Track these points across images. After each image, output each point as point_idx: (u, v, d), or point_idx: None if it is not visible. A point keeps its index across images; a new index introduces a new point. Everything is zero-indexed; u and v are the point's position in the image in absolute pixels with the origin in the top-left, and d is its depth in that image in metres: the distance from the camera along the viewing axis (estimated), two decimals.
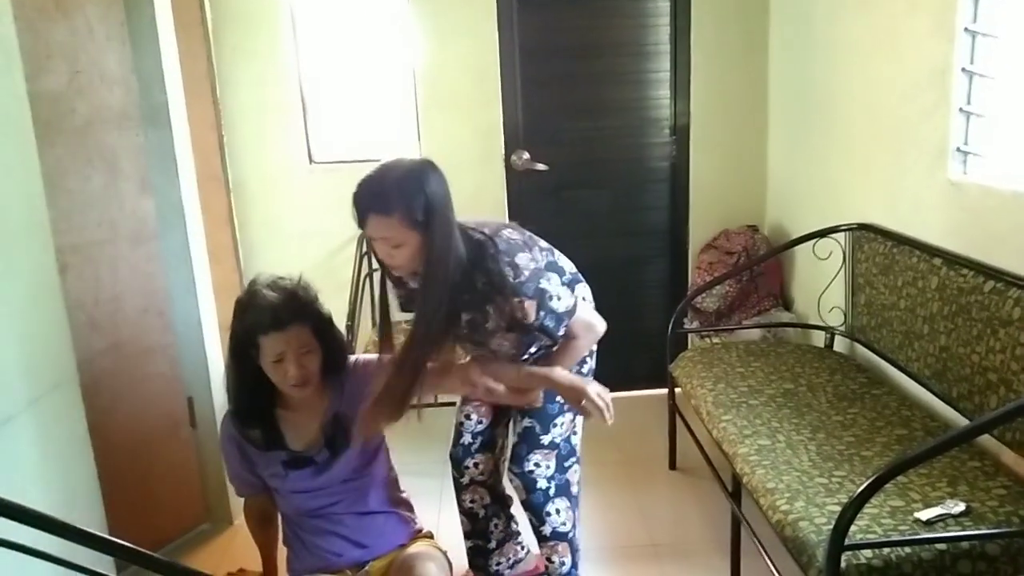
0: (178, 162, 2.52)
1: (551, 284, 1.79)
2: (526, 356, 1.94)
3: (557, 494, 2.05)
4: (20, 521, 1.31)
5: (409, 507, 2.00)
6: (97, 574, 1.45)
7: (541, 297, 1.77)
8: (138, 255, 2.43)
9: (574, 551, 2.12)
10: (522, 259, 1.76)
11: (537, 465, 2.01)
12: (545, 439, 2.02)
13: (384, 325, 1.87)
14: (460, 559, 2.20)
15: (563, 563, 2.11)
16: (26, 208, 1.62)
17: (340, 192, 3.59)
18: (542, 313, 1.77)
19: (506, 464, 2.12)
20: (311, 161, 3.45)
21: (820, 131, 3.01)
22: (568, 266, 1.92)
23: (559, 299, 1.80)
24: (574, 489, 2.10)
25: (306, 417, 1.84)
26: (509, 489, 2.17)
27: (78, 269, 2.22)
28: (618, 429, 3.28)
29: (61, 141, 2.16)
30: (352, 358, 1.89)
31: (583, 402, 1.81)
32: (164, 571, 1.34)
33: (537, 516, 2.06)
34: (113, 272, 2.35)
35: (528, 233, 1.91)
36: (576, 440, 2.10)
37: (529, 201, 3.49)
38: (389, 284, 1.90)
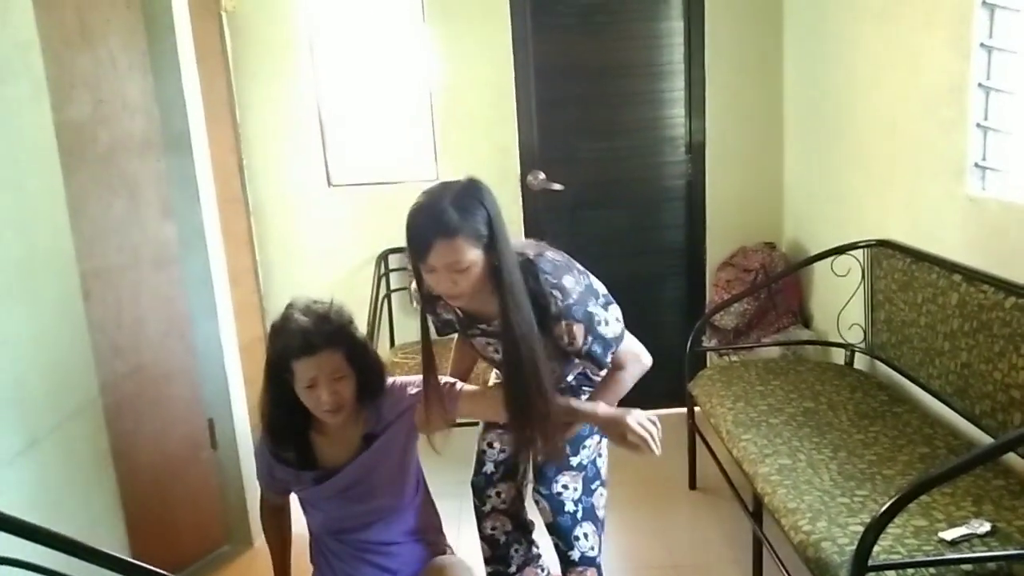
0: (199, 187, 2.55)
1: (597, 308, 1.76)
2: (562, 385, 1.92)
3: (584, 518, 2.00)
4: (47, 545, 1.33)
5: (439, 530, 1.99)
6: None
7: (589, 321, 1.74)
8: (159, 279, 2.46)
9: None
10: (568, 281, 1.74)
11: (565, 487, 1.97)
12: (574, 460, 1.96)
13: (427, 351, 1.82)
14: None
15: None
16: (51, 235, 1.65)
17: (358, 214, 3.66)
18: (590, 338, 1.75)
19: (529, 487, 2.08)
20: (329, 184, 3.48)
21: (837, 147, 3.00)
22: (601, 288, 1.87)
23: (607, 324, 1.78)
24: (600, 513, 2.05)
25: (341, 441, 1.83)
26: (532, 513, 2.13)
27: (100, 294, 2.25)
28: None
29: (84, 169, 2.19)
30: (389, 380, 1.86)
31: (628, 437, 1.74)
32: None
33: (565, 540, 2.00)
34: (135, 296, 2.38)
35: (566, 255, 1.88)
36: (602, 463, 2.05)
37: (545, 221, 3.50)
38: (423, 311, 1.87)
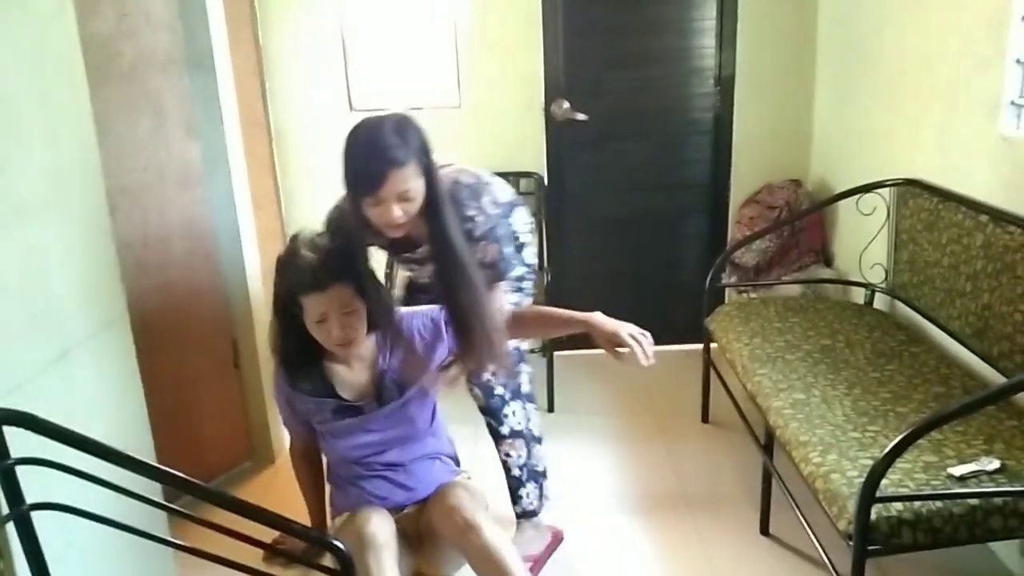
0: (222, 107, 2.55)
1: (507, 228, 1.97)
2: None
3: (512, 398, 2.22)
4: (84, 450, 1.38)
5: (453, 453, 2.04)
6: (152, 501, 1.52)
7: (502, 241, 1.94)
8: (184, 198, 2.48)
9: (528, 443, 2.26)
10: (485, 201, 1.91)
11: (494, 374, 2.17)
12: None
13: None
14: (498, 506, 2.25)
15: (520, 456, 2.25)
16: (79, 150, 1.66)
17: None
18: (500, 256, 1.94)
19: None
20: (351, 108, 3.46)
21: (869, 83, 2.94)
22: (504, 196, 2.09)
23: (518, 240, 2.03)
24: (526, 389, 2.27)
25: (356, 369, 1.86)
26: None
27: (126, 211, 2.28)
28: (651, 382, 3.33)
29: (109, 84, 2.19)
30: (398, 311, 1.90)
31: (622, 337, 1.77)
32: (213, 500, 1.40)
33: (496, 419, 2.22)
34: (161, 215, 2.40)
35: (476, 173, 2.03)
36: (522, 345, 2.27)
37: (568, 152, 3.47)
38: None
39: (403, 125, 1.74)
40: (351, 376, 1.86)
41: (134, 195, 2.31)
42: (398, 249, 2.00)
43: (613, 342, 1.77)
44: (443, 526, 1.77)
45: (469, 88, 3.41)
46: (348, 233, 1.80)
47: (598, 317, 1.82)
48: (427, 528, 1.86)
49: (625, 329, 1.77)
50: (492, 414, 2.22)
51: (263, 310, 2.84)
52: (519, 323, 1.90)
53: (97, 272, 1.72)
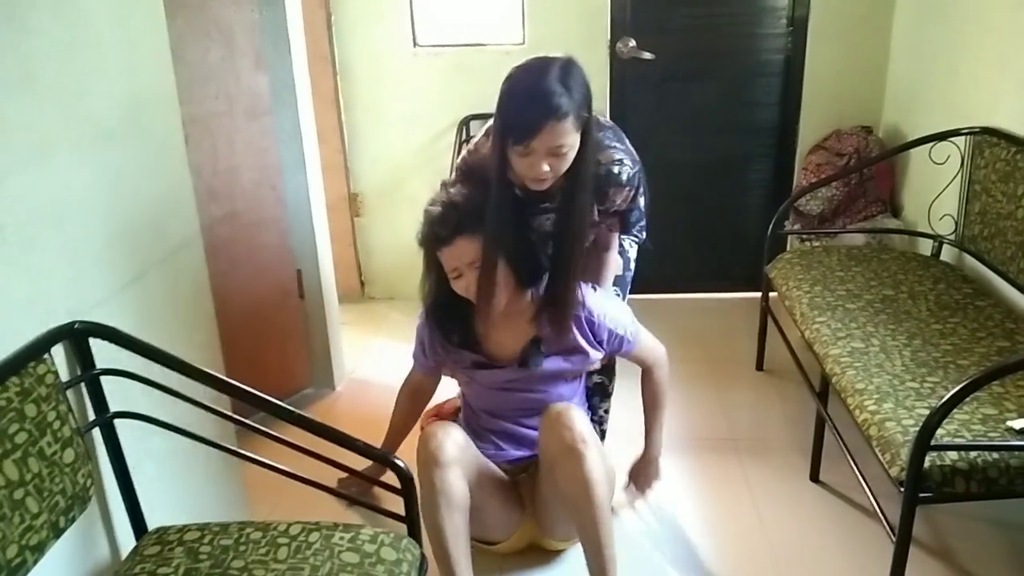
0: (290, 40, 2.58)
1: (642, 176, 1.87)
2: None
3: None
4: (165, 364, 1.46)
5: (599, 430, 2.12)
6: (221, 413, 1.60)
7: (639, 187, 1.85)
8: (252, 129, 2.53)
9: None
10: (624, 150, 1.82)
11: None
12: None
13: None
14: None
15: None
16: (155, 75, 1.71)
17: (442, 77, 3.62)
18: (633, 202, 1.87)
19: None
20: (415, 44, 3.45)
21: (949, 26, 2.81)
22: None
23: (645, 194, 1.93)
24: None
25: (510, 332, 1.84)
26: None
27: (197, 139, 2.34)
28: (708, 329, 3.33)
29: (181, 13, 2.23)
30: (582, 293, 1.85)
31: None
32: (278, 414, 1.47)
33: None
34: (229, 144, 2.46)
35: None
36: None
37: (633, 92, 3.41)
38: None
39: (569, 72, 1.60)
40: (499, 335, 1.85)
41: (204, 124, 2.37)
42: (526, 204, 1.84)
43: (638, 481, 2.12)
44: (550, 442, 1.72)
45: (533, 25, 3.36)
46: (484, 180, 1.71)
47: (656, 455, 2.12)
48: (539, 444, 1.83)
49: (648, 483, 2.14)
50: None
51: (327, 242, 2.92)
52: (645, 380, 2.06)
53: (172, 196, 1.78)
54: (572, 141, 1.60)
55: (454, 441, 1.72)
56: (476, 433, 1.95)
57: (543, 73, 1.57)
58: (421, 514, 1.71)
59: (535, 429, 1.91)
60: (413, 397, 2.08)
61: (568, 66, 1.61)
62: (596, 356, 1.91)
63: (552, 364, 1.87)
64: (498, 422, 1.95)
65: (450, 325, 1.85)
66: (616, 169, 1.81)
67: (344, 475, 1.64)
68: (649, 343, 2.01)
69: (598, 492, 1.66)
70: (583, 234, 1.78)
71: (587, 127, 1.63)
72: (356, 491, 1.75)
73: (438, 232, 1.68)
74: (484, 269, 1.69)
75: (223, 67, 2.41)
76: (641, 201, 1.97)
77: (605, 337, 1.89)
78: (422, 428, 1.96)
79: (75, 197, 1.42)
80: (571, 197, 1.71)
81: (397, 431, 2.09)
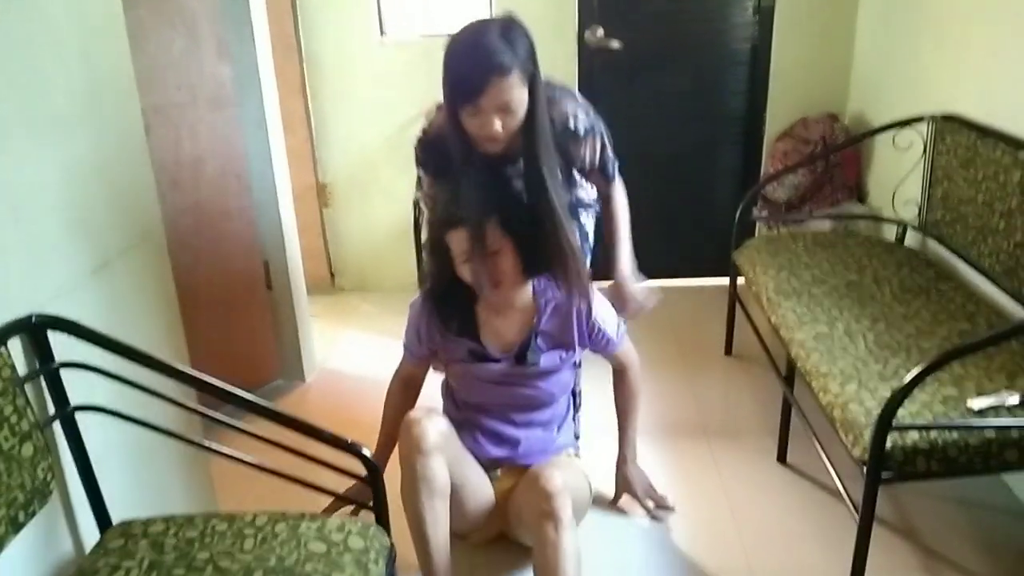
0: (254, 27, 2.55)
1: (601, 125, 1.88)
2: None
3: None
4: (126, 356, 1.44)
5: (572, 428, 2.08)
6: (187, 406, 1.58)
7: (603, 136, 1.86)
8: (216, 119, 2.50)
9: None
10: (579, 102, 1.84)
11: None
12: None
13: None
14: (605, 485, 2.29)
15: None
16: (113, 64, 1.68)
17: (410, 66, 3.59)
18: (602, 153, 1.88)
19: None
20: (382, 33, 3.43)
21: (912, 14, 2.84)
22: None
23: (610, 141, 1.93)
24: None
25: (507, 324, 1.83)
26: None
27: (160, 130, 2.31)
28: (677, 316, 3.35)
29: (144, 2, 2.20)
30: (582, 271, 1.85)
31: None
32: (244, 406, 1.46)
33: None
34: (193, 134, 2.43)
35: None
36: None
37: (601, 81, 3.42)
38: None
39: (510, 29, 1.60)
40: (499, 325, 1.83)
41: (167, 114, 2.34)
42: (492, 167, 1.83)
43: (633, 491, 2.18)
44: (527, 504, 1.72)
45: (500, 13, 3.34)
46: (446, 154, 1.71)
47: (633, 456, 2.20)
48: (513, 499, 1.87)
49: (647, 490, 2.20)
50: None
51: (294, 233, 2.89)
52: (621, 382, 2.11)
53: (133, 186, 1.75)
54: (520, 96, 1.61)
55: (438, 429, 1.71)
56: (457, 425, 1.91)
57: (483, 32, 1.59)
58: (402, 501, 1.72)
59: (520, 426, 1.93)
60: (405, 390, 2.01)
61: (508, 23, 1.63)
62: (580, 353, 1.93)
63: (549, 359, 1.87)
64: (482, 418, 1.93)
65: (449, 311, 1.82)
66: (571, 124, 1.83)
67: (327, 504, 1.66)
68: (628, 345, 2.05)
69: (567, 568, 1.63)
70: (556, 188, 1.74)
71: (534, 82, 1.63)
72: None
73: (454, 213, 1.65)
74: (500, 254, 1.67)
75: (186, 56, 2.37)
76: (609, 151, 1.97)
77: (594, 334, 1.91)
78: None
79: (31, 187, 1.40)
80: (534, 153, 1.70)
81: (394, 425, 1.98)
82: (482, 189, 1.67)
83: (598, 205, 2.15)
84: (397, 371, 2.02)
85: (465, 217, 1.64)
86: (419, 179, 1.96)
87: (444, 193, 1.72)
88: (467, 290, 1.77)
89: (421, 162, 1.87)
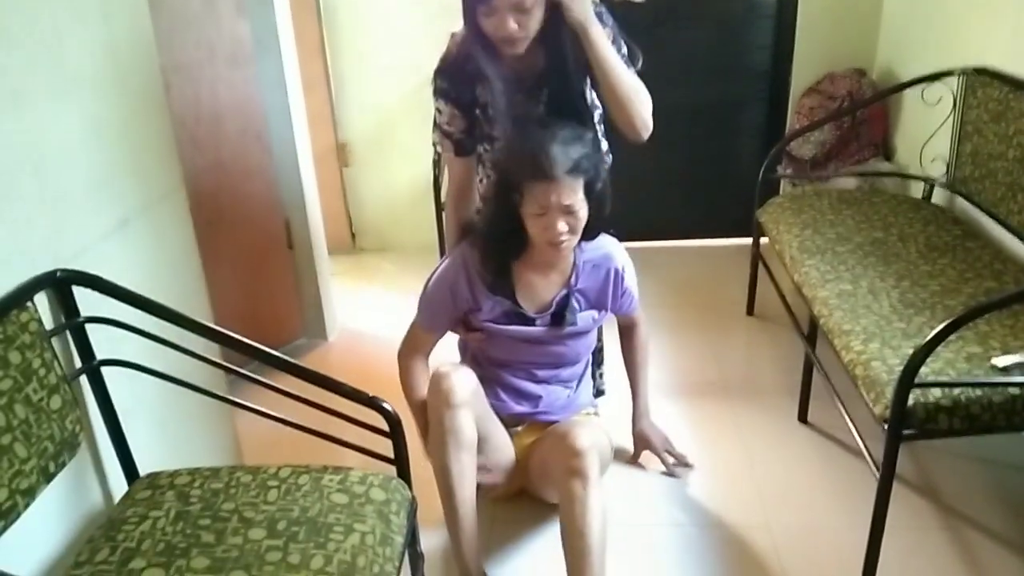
0: None
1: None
2: None
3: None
4: (151, 312, 1.46)
5: (592, 385, 2.11)
6: (211, 360, 1.61)
7: (616, 29, 1.89)
8: (235, 77, 2.49)
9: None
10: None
11: None
12: None
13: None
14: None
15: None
16: (132, 23, 1.67)
17: (430, 26, 3.55)
18: (616, 42, 1.87)
19: None
20: None
21: None
22: None
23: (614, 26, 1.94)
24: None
25: (544, 283, 1.83)
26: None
27: (179, 88, 2.31)
28: (699, 276, 3.33)
29: None
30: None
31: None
32: (267, 360, 1.48)
33: None
34: (213, 93, 2.43)
35: None
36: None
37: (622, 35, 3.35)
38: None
39: None
40: (538, 283, 1.84)
41: (186, 72, 2.33)
42: (518, 87, 1.81)
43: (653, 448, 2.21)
44: (554, 461, 1.73)
45: None
46: (463, 74, 1.75)
47: (647, 410, 2.22)
48: (537, 456, 1.89)
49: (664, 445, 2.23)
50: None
51: (315, 192, 2.90)
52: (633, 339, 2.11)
53: (153, 144, 1.76)
54: None
55: (466, 382, 1.73)
56: (486, 374, 1.91)
57: None
58: (428, 453, 1.75)
59: (541, 382, 1.93)
60: (422, 366, 1.93)
61: None
62: (608, 313, 1.95)
63: (584, 320, 1.88)
64: (505, 374, 1.93)
65: (492, 267, 1.79)
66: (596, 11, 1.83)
67: (349, 457, 1.63)
68: (638, 304, 2.07)
69: (593, 525, 1.63)
70: (581, 80, 1.81)
71: None
72: None
73: (543, 167, 1.61)
74: (575, 215, 1.68)
75: (204, 14, 2.36)
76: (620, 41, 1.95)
77: (621, 295, 1.93)
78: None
79: (53, 146, 1.41)
80: (559, 62, 1.73)
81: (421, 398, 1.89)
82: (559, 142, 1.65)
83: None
84: (406, 351, 1.93)
85: (558, 174, 1.62)
86: (435, 123, 1.95)
87: (464, 121, 1.77)
88: (511, 245, 1.76)
89: (440, 91, 1.85)
